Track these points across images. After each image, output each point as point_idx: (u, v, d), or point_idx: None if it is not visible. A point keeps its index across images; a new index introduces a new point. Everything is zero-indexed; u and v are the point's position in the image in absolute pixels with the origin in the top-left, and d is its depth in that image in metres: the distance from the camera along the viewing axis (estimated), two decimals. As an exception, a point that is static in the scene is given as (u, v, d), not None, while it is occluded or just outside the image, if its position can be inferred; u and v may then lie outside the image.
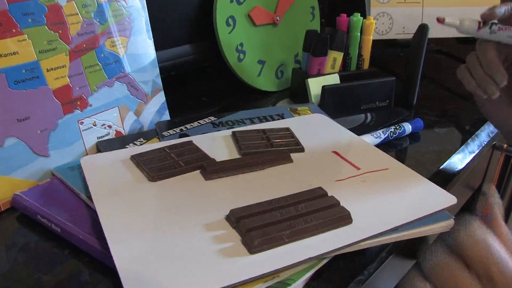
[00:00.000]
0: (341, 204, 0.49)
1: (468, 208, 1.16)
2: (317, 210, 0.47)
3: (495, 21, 0.57)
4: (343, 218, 0.47)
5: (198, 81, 0.99)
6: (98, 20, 0.62)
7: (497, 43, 0.57)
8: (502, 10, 0.56)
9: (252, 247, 0.42)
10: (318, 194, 0.50)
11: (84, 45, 0.61)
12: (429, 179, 0.57)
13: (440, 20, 0.58)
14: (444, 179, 0.68)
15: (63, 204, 0.53)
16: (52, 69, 0.58)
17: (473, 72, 0.58)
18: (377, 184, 0.55)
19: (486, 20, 0.57)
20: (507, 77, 0.56)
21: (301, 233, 0.44)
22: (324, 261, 0.45)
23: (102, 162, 0.57)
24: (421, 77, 0.87)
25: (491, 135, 0.84)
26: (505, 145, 0.95)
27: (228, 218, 0.46)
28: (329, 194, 0.51)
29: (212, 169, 0.54)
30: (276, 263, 0.41)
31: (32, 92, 0.56)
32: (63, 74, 0.59)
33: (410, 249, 0.60)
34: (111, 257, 0.41)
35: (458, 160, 0.72)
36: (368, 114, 0.83)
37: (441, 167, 0.70)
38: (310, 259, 0.42)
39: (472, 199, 1.15)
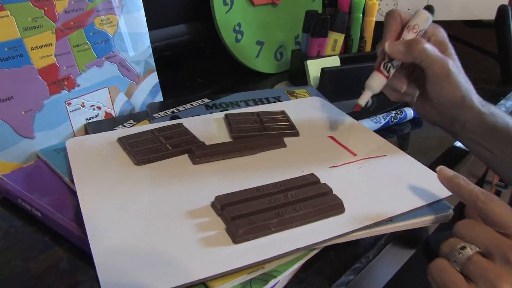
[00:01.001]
0: (334, 192, 0.47)
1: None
2: (308, 198, 0.45)
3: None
4: (335, 207, 0.45)
5: (194, 62, 0.96)
6: (86, -4, 0.60)
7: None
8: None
9: (237, 236, 0.40)
10: (310, 181, 0.48)
11: (72, 23, 0.59)
12: (430, 167, 0.55)
13: (358, 108, 0.60)
14: (445, 166, 0.66)
15: (46, 188, 0.51)
16: (37, 47, 0.56)
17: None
18: (373, 171, 0.53)
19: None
20: (405, 84, 0.59)
21: (289, 222, 0.42)
22: (314, 252, 0.43)
23: (88, 144, 0.55)
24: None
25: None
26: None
27: (213, 205, 0.44)
28: (322, 181, 0.49)
29: (200, 153, 0.52)
30: (261, 254, 0.39)
31: (15, 71, 0.54)
32: (49, 53, 0.57)
33: (410, 238, 0.57)
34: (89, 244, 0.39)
35: (461, 147, 0.70)
36: (369, 98, 0.80)
37: (442, 153, 0.67)
38: (297, 250, 0.40)
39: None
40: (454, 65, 0.55)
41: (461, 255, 0.38)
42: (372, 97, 0.80)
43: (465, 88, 0.55)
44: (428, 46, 0.54)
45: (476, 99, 0.56)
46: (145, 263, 0.38)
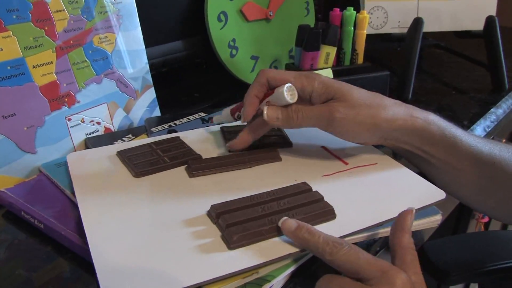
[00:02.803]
0: (326, 199, 0.48)
1: (466, 206, 1.15)
2: (300, 205, 0.47)
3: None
4: (327, 213, 0.46)
5: (190, 77, 0.98)
6: (85, 16, 0.62)
7: None
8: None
9: (231, 242, 0.41)
10: (302, 189, 0.50)
11: (71, 42, 0.61)
12: (422, 174, 0.57)
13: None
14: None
15: (49, 200, 0.53)
16: (38, 65, 0.58)
17: None
18: (364, 179, 0.55)
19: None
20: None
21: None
22: (307, 257, 0.44)
23: (88, 158, 0.57)
24: (418, 71, 0.86)
25: (487, 130, 0.83)
26: (503, 140, 0.94)
27: (209, 213, 0.46)
28: (314, 189, 0.50)
29: (196, 166, 0.54)
30: (255, 259, 0.41)
31: (18, 88, 0.56)
32: (49, 71, 0.59)
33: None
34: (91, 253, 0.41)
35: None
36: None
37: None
38: (290, 255, 0.42)
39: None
40: (340, 107, 0.52)
41: None
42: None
43: (371, 119, 0.53)
44: (307, 113, 0.53)
45: (392, 111, 0.54)
46: (144, 270, 0.39)
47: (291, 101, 0.53)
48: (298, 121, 0.53)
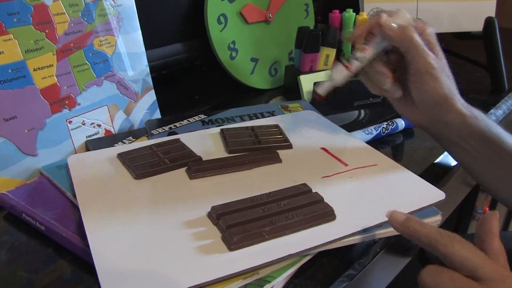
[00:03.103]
0: (326, 201, 0.49)
1: (467, 205, 1.16)
2: (300, 206, 0.47)
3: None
4: (326, 214, 0.46)
5: (191, 79, 0.99)
6: (85, 19, 0.63)
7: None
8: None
9: (232, 243, 0.42)
10: (302, 190, 0.50)
11: (72, 45, 0.61)
12: (422, 175, 0.57)
13: (317, 96, 0.59)
14: (437, 175, 0.68)
15: (50, 202, 0.53)
16: (39, 68, 0.58)
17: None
18: (364, 180, 0.55)
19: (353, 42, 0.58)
20: (389, 78, 0.57)
21: (282, 230, 0.44)
22: (307, 258, 0.45)
23: (89, 160, 0.57)
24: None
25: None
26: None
27: (209, 215, 0.46)
28: (314, 191, 0.50)
29: (196, 168, 0.54)
30: (255, 260, 0.41)
31: (19, 91, 0.56)
32: (50, 74, 0.59)
33: (404, 245, 0.59)
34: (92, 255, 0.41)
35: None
36: (362, 111, 0.83)
37: (434, 162, 0.69)
38: (290, 256, 0.42)
39: (471, 196, 1.14)
40: (439, 63, 0.54)
41: None
42: (364, 109, 0.83)
43: (448, 87, 0.54)
44: (417, 37, 0.53)
45: (459, 100, 0.55)
46: (145, 271, 0.39)
47: (410, 20, 0.55)
48: (408, 39, 0.53)
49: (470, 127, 0.55)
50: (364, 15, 0.84)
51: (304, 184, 0.51)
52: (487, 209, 1.21)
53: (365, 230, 0.46)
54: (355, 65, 0.57)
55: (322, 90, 0.58)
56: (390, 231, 0.48)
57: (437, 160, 0.70)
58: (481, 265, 0.37)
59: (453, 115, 0.55)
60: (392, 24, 0.54)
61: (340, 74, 0.57)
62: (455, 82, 0.56)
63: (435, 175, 0.67)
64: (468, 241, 0.39)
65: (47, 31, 0.58)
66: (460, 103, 0.55)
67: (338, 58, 0.57)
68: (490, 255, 0.39)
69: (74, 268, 0.46)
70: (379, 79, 0.57)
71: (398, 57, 0.57)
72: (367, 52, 0.56)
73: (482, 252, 0.38)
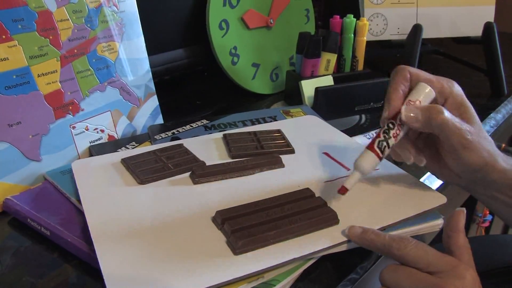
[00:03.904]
0: (329, 205, 0.49)
1: (467, 208, 1.16)
2: (304, 211, 0.47)
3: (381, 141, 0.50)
4: (330, 218, 0.47)
5: (193, 85, 0.99)
6: (89, 25, 0.63)
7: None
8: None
9: (236, 248, 0.42)
10: (305, 195, 0.50)
11: (75, 50, 0.62)
12: (423, 179, 0.57)
13: (344, 191, 0.50)
14: (436, 180, 0.68)
15: (54, 208, 0.53)
16: (43, 74, 0.58)
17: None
18: (366, 184, 0.55)
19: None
20: (412, 154, 0.52)
21: (286, 234, 0.44)
22: (311, 262, 0.45)
23: (93, 165, 0.57)
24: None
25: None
26: (503, 145, 0.95)
27: (214, 219, 0.47)
28: (317, 195, 0.51)
29: (200, 173, 0.54)
30: (260, 264, 0.41)
31: (23, 97, 0.57)
32: (54, 79, 0.60)
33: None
34: (97, 258, 0.41)
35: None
36: (363, 116, 0.83)
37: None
38: (294, 259, 0.42)
39: (471, 200, 1.15)
40: (474, 132, 0.49)
41: None
42: (365, 114, 0.83)
43: (487, 152, 0.49)
44: (449, 116, 0.48)
45: (500, 157, 0.51)
46: (151, 275, 0.40)
47: (433, 95, 0.50)
48: (439, 123, 0.48)
49: (510, 180, 0.51)
50: (364, 20, 0.85)
51: (307, 189, 0.52)
52: (487, 212, 1.21)
53: (368, 234, 0.46)
54: (387, 152, 0.51)
55: (350, 185, 0.50)
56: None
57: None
58: (432, 260, 0.40)
59: (496, 174, 0.50)
60: (416, 114, 0.49)
61: (371, 164, 0.50)
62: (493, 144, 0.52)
63: (435, 179, 0.67)
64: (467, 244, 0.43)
65: (51, 37, 0.59)
66: (501, 160, 0.51)
67: (371, 145, 0.50)
68: (455, 250, 0.42)
69: (79, 273, 0.46)
70: (402, 154, 0.53)
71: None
72: (399, 137, 0.51)
73: (434, 249, 0.41)
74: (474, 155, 0.49)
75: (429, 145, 0.54)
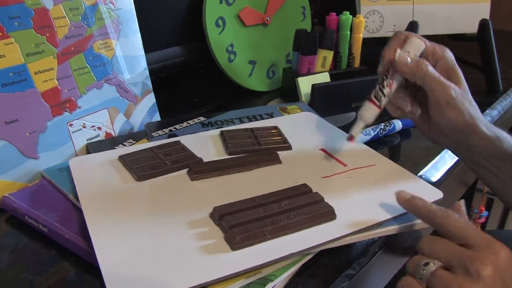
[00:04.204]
0: (326, 200, 0.49)
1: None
2: (301, 206, 0.48)
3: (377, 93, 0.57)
4: (327, 214, 0.47)
5: (189, 82, 0.99)
6: (85, 23, 0.63)
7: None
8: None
9: (234, 243, 0.42)
10: (302, 190, 0.51)
11: (72, 48, 0.62)
12: (419, 175, 0.57)
13: (352, 139, 0.58)
14: (434, 174, 0.68)
15: (52, 205, 0.53)
16: (40, 72, 0.58)
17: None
18: (363, 180, 0.56)
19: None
20: (409, 103, 0.57)
21: (283, 229, 0.45)
22: (308, 257, 0.45)
23: (91, 163, 0.57)
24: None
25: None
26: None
27: (211, 215, 0.47)
28: (314, 191, 0.51)
29: (197, 169, 0.55)
30: (258, 259, 0.41)
31: (20, 94, 0.57)
32: (51, 77, 0.60)
33: (402, 245, 0.60)
34: (96, 255, 0.42)
35: (449, 156, 0.72)
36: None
37: (431, 162, 0.70)
38: (292, 255, 0.43)
39: (467, 196, 1.15)
40: (458, 92, 0.53)
41: (425, 271, 0.41)
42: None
43: (469, 114, 0.53)
44: (432, 70, 0.53)
45: (483, 123, 0.55)
46: (150, 271, 0.40)
47: (422, 48, 0.55)
48: (423, 74, 0.53)
49: (493, 148, 0.55)
50: (360, 17, 0.85)
51: (304, 185, 0.52)
52: (483, 208, 1.22)
53: (365, 229, 0.47)
54: (384, 101, 0.56)
55: (356, 132, 0.58)
56: (389, 230, 0.48)
57: (434, 160, 0.70)
58: (471, 233, 0.42)
59: (476, 138, 0.55)
60: (406, 59, 0.54)
61: (371, 113, 0.57)
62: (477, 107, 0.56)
63: (431, 175, 0.68)
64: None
65: (47, 34, 0.59)
66: (484, 126, 0.55)
67: (369, 96, 0.57)
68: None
69: (77, 270, 0.47)
70: (399, 104, 0.58)
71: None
72: (393, 87, 0.56)
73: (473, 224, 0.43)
74: (456, 113, 0.53)
75: (421, 104, 0.58)
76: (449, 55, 0.56)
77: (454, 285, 0.39)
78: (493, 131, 0.55)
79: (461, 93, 0.54)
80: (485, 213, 1.23)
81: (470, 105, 0.54)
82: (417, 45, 0.55)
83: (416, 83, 0.55)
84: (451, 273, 0.40)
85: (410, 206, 0.47)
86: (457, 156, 0.61)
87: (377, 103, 0.56)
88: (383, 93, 0.56)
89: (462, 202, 0.48)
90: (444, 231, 0.43)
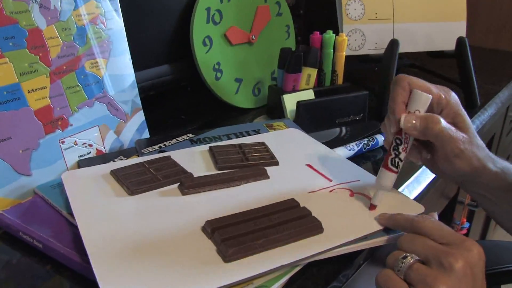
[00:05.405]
0: (313, 214, 0.51)
1: (446, 217, 1.19)
2: (289, 220, 0.50)
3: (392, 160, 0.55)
4: (314, 227, 0.49)
5: (177, 100, 1.01)
6: (77, 42, 0.65)
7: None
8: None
9: (227, 255, 0.44)
10: (291, 205, 0.53)
11: (65, 67, 0.63)
12: (401, 189, 0.59)
13: (374, 208, 0.55)
14: (416, 188, 0.71)
15: (45, 221, 0.54)
16: (33, 90, 0.60)
17: None
18: (347, 195, 0.58)
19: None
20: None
21: (274, 242, 0.46)
22: (297, 268, 0.47)
23: (83, 177, 0.59)
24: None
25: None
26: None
27: (204, 229, 0.48)
28: (302, 205, 0.53)
29: (189, 184, 0.56)
30: (250, 271, 0.43)
31: (13, 113, 0.58)
32: (44, 95, 0.61)
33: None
34: (91, 269, 0.43)
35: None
36: (343, 128, 0.86)
37: (413, 176, 0.72)
38: (282, 266, 0.44)
39: (449, 208, 1.18)
40: (467, 141, 0.53)
41: (403, 264, 0.45)
42: (346, 127, 0.86)
43: (478, 159, 0.54)
44: (446, 126, 0.51)
45: (490, 161, 0.55)
46: (144, 282, 0.41)
47: (429, 101, 0.52)
48: (436, 132, 0.51)
49: (498, 182, 0.56)
50: (343, 36, 0.88)
51: (292, 199, 0.54)
52: (465, 220, 1.25)
53: (351, 242, 0.49)
54: (401, 166, 0.55)
55: (378, 201, 0.55)
56: (374, 242, 0.51)
57: (416, 174, 0.73)
58: (446, 233, 0.46)
59: (484, 177, 0.55)
60: (414, 123, 0.52)
61: (391, 180, 0.55)
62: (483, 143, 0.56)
63: (413, 188, 0.70)
64: None
65: (41, 54, 0.60)
66: (491, 163, 0.55)
67: (385, 164, 0.55)
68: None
69: (72, 284, 0.48)
70: (412, 158, 0.58)
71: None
72: (408, 149, 0.54)
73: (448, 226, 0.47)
74: (465, 163, 0.53)
75: (426, 147, 0.57)
76: (455, 100, 0.54)
77: (429, 277, 0.42)
78: (500, 166, 0.56)
79: (469, 141, 0.53)
80: (466, 224, 1.26)
81: (479, 149, 0.54)
82: (423, 100, 0.52)
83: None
84: (427, 267, 0.44)
85: (392, 222, 0.51)
86: (461, 188, 0.63)
87: (395, 170, 0.54)
88: (400, 159, 0.54)
89: (435, 213, 0.53)
90: (423, 233, 0.47)
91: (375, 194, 0.55)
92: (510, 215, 0.60)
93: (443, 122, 0.51)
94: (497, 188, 0.57)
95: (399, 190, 0.65)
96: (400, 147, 0.54)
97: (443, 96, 0.54)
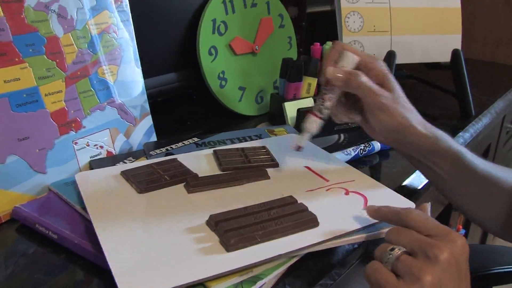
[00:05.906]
0: (309, 210, 0.55)
1: (441, 221, 1.22)
2: (287, 214, 0.53)
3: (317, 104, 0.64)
4: (310, 221, 0.53)
5: (183, 106, 1.05)
6: (91, 50, 0.69)
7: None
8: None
9: (229, 245, 0.48)
10: (289, 201, 0.56)
11: (79, 73, 0.68)
12: (395, 190, 0.63)
13: (299, 148, 0.65)
14: (410, 192, 0.74)
15: (59, 214, 0.58)
16: (50, 94, 0.64)
17: None
18: (343, 193, 0.61)
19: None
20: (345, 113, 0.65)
21: (272, 234, 0.50)
22: (294, 259, 0.51)
23: (95, 177, 0.62)
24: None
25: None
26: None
27: (208, 222, 0.52)
28: (299, 202, 0.57)
29: (194, 183, 0.60)
30: (250, 259, 0.47)
31: (31, 114, 0.62)
32: (59, 99, 0.65)
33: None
34: (104, 258, 0.46)
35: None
36: (341, 135, 0.89)
37: (407, 180, 0.76)
38: (279, 256, 0.48)
39: (445, 215, 1.21)
40: (389, 97, 0.60)
41: (391, 256, 0.47)
42: (344, 133, 0.90)
43: (402, 116, 0.60)
44: (362, 79, 0.59)
45: (419, 123, 0.61)
46: (154, 269, 0.45)
47: (356, 60, 0.61)
48: (356, 84, 0.59)
49: (430, 146, 0.61)
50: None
51: (291, 196, 0.58)
52: (460, 227, 1.28)
53: (345, 234, 0.52)
54: (325, 113, 0.63)
55: (303, 143, 0.64)
56: (365, 236, 0.54)
57: (410, 179, 0.76)
58: (431, 225, 0.48)
59: (413, 137, 0.61)
60: (338, 75, 0.60)
61: (315, 125, 0.64)
62: (414, 108, 0.63)
63: (408, 192, 0.74)
64: None
65: (57, 60, 0.65)
66: (421, 126, 0.61)
67: (309, 110, 0.65)
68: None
69: (86, 272, 0.52)
70: (339, 117, 0.66)
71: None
72: (332, 101, 0.63)
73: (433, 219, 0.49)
74: (387, 117, 0.60)
75: (361, 110, 0.64)
76: (381, 64, 0.62)
77: (415, 268, 0.44)
78: (430, 130, 0.62)
79: (391, 97, 0.60)
80: (462, 231, 1.28)
81: (404, 108, 0.61)
82: (350, 59, 0.61)
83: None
84: (413, 258, 0.46)
85: (379, 215, 0.53)
86: (400, 153, 0.67)
87: (318, 114, 0.63)
88: (325, 106, 0.63)
89: (429, 204, 0.55)
90: (409, 226, 0.49)
91: (300, 136, 0.64)
92: (454, 188, 0.64)
93: (365, 77, 0.59)
94: (430, 153, 0.62)
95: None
96: (326, 96, 0.62)
97: (369, 60, 0.62)
